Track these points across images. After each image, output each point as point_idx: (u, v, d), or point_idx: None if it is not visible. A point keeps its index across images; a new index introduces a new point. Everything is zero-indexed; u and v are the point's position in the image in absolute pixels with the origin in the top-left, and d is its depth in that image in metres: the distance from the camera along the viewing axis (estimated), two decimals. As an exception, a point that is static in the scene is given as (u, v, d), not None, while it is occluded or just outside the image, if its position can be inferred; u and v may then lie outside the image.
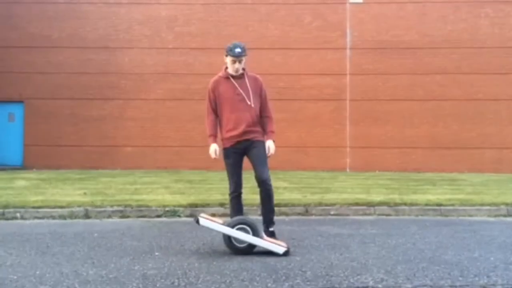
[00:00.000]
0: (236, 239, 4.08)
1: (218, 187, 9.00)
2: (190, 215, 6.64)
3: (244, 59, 4.47)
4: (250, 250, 4.09)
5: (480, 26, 14.95)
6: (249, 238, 4.06)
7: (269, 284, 3.15)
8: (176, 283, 3.15)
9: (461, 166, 14.49)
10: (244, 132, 4.37)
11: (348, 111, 14.97)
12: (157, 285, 3.12)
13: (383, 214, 6.87)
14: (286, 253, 4.02)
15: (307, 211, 6.90)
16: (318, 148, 14.81)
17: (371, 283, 3.18)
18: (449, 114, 14.86)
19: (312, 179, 11.06)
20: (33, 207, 6.65)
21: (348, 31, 15.06)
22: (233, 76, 4.47)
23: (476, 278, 3.33)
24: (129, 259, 3.87)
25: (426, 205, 7.10)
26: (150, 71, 15.09)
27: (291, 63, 15.02)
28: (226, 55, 4.49)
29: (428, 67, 14.91)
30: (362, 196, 7.81)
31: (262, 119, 4.52)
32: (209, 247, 4.38)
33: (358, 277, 3.33)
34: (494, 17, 15.00)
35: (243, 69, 4.53)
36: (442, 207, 7.01)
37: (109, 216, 6.55)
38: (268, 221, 4.40)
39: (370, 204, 7.08)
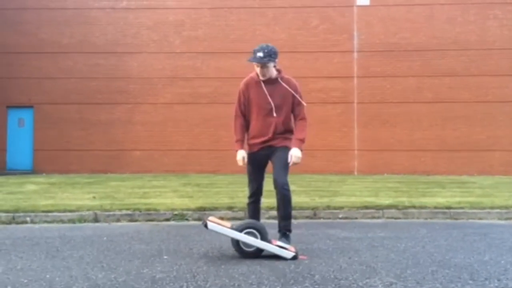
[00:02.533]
0: (244, 243, 4.07)
1: (226, 191, 9.01)
2: (199, 219, 6.65)
3: (270, 64, 4.12)
4: (258, 253, 4.08)
5: (488, 28, 14.86)
6: (257, 242, 4.05)
7: (277, 288, 3.15)
8: (185, 287, 3.16)
9: (470, 168, 14.38)
10: (269, 140, 4.20)
11: (356, 114, 14.93)
12: (166, 289, 3.13)
13: (392, 217, 6.83)
14: (294, 258, 4.01)
15: (315, 214, 6.89)
16: (326, 151, 14.78)
17: (380, 287, 3.16)
18: (458, 116, 14.77)
19: (320, 182, 11.03)
20: (43, 211, 6.70)
21: (355, 33, 15.03)
22: (265, 81, 4.18)
23: (487, 282, 3.30)
24: (138, 262, 3.89)
25: (436, 208, 7.05)
26: (158, 75, 15.18)
27: (298, 66, 15.00)
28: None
29: (437, 69, 14.84)
30: (371, 199, 7.77)
31: (295, 123, 4.27)
32: (217, 251, 4.38)
33: (367, 280, 3.31)
34: (503, 19, 14.90)
35: (278, 70, 4.24)
36: (451, 210, 6.96)
37: (118, 220, 6.58)
38: (283, 228, 4.21)
39: (378, 207, 7.05)
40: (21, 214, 6.59)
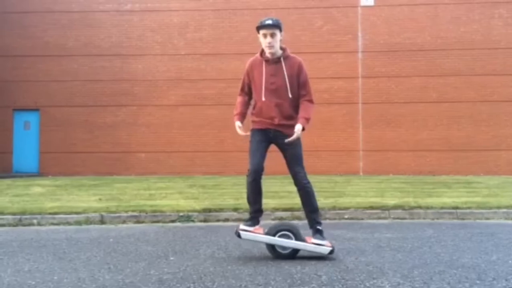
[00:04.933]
0: (280, 246, 4.01)
1: (231, 192, 9.02)
2: (204, 220, 6.67)
3: (278, 34, 3.98)
4: (294, 254, 4.04)
5: (493, 27, 14.80)
6: (292, 243, 4.00)
7: (284, 289, 3.14)
8: (192, 287, 3.17)
9: (476, 168, 14.32)
10: (275, 124, 4.04)
11: (360, 115, 14.91)
12: (173, 290, 3.14)
13: (398, 218, 6.81)
14: (331, 252, 3.98)
15: (321, 215, 6.86)
16: (331, 152, 14.76)
17: (387, 287, 3.15)
18: (463, 116, 14.71)
19: (326, 183, 11.01)
20: (50, 214, 6.74)
21: (359, 34, 15.01)
22: (268, 61, 4.05)
23: (495, 282, 3.28)
24: (144, 264, 3.89)
25: (442, 208, 7.03)
26: (162, 77, 15.22)
27: (302, 67, 15.00)
28: (258, 33, 4.02)
29: (441, 69, 14.79)
30: (376, 200, 7.75)
31: (301, 103, 4.07)
32: (223, 252, 4.38)
33: (374, 281, 3.30)
34: (507, 18, 14.83)
35: (283, 49, 4.09)
36: (458, 210, 6.93)
37: (124, 222, 6.61)
38: (313, 222, 4.12)
39: (384, 208, 7.03)
40: (28, 216, 6.62)
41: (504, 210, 6.96)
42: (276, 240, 4.02)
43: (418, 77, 14.83)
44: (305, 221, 6.57)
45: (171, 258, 4.11)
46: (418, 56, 14.85)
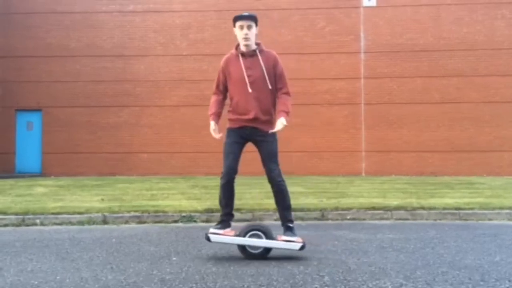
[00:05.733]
0: (250, 246, 4.05)
1: (234, 193, 9.01)
2: (206, 221, 6.67)
3: (254, 27, 4.04)
4: (266, 254, 4.07)
5: (496, 28, 14.78)
6: (263, 242, 4.03)
7: (287, 289, 3.14)
8: (194, 288, 3.17)
9: (479, 169, 14.29)
10: (253, 119, 4.01)
11: (363, 115, 14.90)
12: (176, 290, 3.14)
13: (400, 219, 6.80)
14: (302, 248, 3.98)
15: (323, 215, 6.87)
16: (333, 153, 14.75)
17: (390, 288, 3.15)
18: (466, 117, 14.68)
19: (328, 184, 11.01)
20: (52, 214, 6.75)
21: (362, 35, 15.00)
22: (244, 54, 4.06)
23: (498, 283, 3.27)
24: (147, 264, 3.90)
25: (444, 209, 7.01)
26: (165, 78, 15.25)
27: (305, 68, 15.03)
28: (234, 26, 4.09)
29: (444, 70, 14.78)
30: (379, 201, 7.74)
31: (278, 97, 4.07)
32: (226, 252, 4.38)
33: (377, 281, 3.30)
34: (510, 18, 14.81)
35: (257, 44, 4.11)
36: (461, 211, 6.92)
37: (127, 222, 6.61)
38: (285, 219, 4.12)
39: (387, 209, 7.02)
40: (31, 216, 6.64)
41: (507, 211, 6.93)
42: (246, 240, 4.03)
43: (420, 78, 14.81)
44: (308, 222, 6.59)
45: (174, 259, 4.11)
46: (420, 57, 14.83)
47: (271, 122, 4.06)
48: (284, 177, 4.13)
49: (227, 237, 4.06)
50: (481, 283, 3.26)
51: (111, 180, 12.73)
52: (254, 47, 4.09)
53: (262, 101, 4.03)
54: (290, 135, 14.79)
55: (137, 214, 6.76)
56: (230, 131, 4.12)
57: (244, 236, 4.05)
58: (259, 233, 4.06)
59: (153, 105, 15.20)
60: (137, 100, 15.27)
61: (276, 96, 4.10)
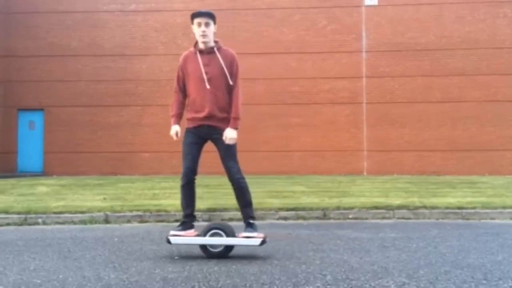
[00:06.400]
0: (211, 245, 4.05)
1: (235, 192, 9.01)
2: (208, 220, 6.68)
3: (212, 25, 4.06)
4: (227, 252, 4.08)
5: (498, 26, 14.75)
6: (223, 240, 4.03)
7: (289, 288, 3.14)
8: (196, 287, 3.17)
9: (480, 168, 14.27)
10: (209, 117, 4.01)
11: (364, 115, 14.88)
12: (178, 289, 3.14)
13: (402, 218, 6.80)
14: (262, 243, 3.99)
15: (325, 215, 6.87)
16: (334, 152, 14.74)
17: (392, 287, 3.14)
18: (468, 116, 14.66)
19: (330, 183, 11.00)
20: (55, 213, 6.77)
21: (363, 34, 14.99)
22: (202, 51, 4.07)
23: (501, 282, 3.26)
24: (149, 263, 3.90)
25: (447, 208, 7.00)
26: (166, 77, 15.24)
27: (306, 67, 15.02)
28: (192, 23, 4.10)
29: (446, 69, 14.75)
30: (381, 200, 7.74)
31: (232, 97, 4.07)
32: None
33: (380, 280, 3.29)
34: (512, 17, 14.78)
35: (216, 41, 4.13)
36: (463, 210, 6.91)
37: (129, 221, 6.62)
38: (246, 216, 4.13)
39: (389, 208, 7.02)
40: (33, 215, 6.65)
41: (510, 210, 6.92)
42: (206, 240, 4.04)
43: (422, 77, 14.79)
44: (310, 222, 6.59)
45: (176, 257, 4.12)
46: (422, 56, 14.81)
47: (228, 120, 4.05)
48: (244, 174, 4.14)
49: (187, 238, 4.06)
50: (484, 282, 3.26)
51: (112, 179, 12.74)
52: (212, 44, 4.10)
53: (219, 98, 4.04)
54: (291, 135, 14.80)
55: (139, 213, 6.77)
56: (188, 132, 4.14)
57: (205, 235, 4.05)
58: (220, 231, 4.06)
59: (154, 105, 15.20)
60: (139, 100, 15.28)
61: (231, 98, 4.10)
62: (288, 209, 6.96)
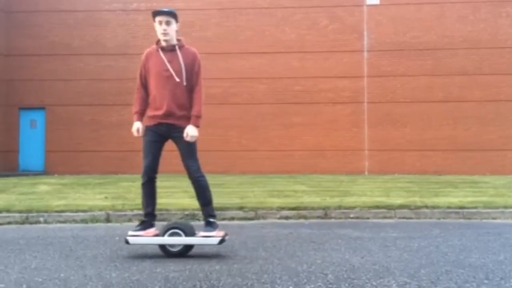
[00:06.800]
0: (170, 244, 4.05)
1: (237, 191, 9.02)
2: (210, 219, 6.66)
3: (174, 24, 4.08)
4: (187, 251, 4.08)
5: (500, 26, 14.72)
6: (182, 240, 4.03)
7: (290, 287, 3.14)
8: (198, 286, 3.17)
9: (482, 168, 14.24)
10: (167, 114, 4.01)
11: (366, 114, 14.87)
12: (179, 288, 3.14)
13: (403, 217, 6.79)
14: (221, 242, 3.99)
15: (326, 214, 6.87)
16: (336, 152, 14.73)
17: (394, 286, 3.14)
18: (470, 116, 14.64)
19: (331, 182, 11.00)
20: (56, 212, 6.77)
21: (365, 33, 14.97)
22: (164, 49, 4.09)
23: (502, 281, 3.26)
24: (150, 262, 3.90)
25: (448, 207, 6.99)
26: (168, 76, 15.24)
27: (308, 66, 15.00)
28: (154, 20, 4.11)
29: (448, 68, 14.73)
30: (382, 199, 7.73)
31: (193, 96, 4.08)
32: (229, 250, 4.38)
33: (381, 280, 3.29)
34: (515, 17, 14.75)
35: (179, 40, 4.16)
36: (464, 210, 6.90)
37: (130, 220, 6.62)
38: (206, 214, 4.14)
39: (390, 207, 7.01)
40: (35, 214, 6.65)
41: (511, 210, 6.91)
42: (165, 239, 4.03)
43: (424, 76, 14.77)
44: (311, 221, 6.58)
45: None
46: (424, 55, 14.78)
47: (188, 118, 4.06)
48: (204, 172, 4.17)
49: (145, 238, 4.06)
50: (486, 281, 3.25)
51: (114, 178, 12.75)
52: (174, 42, 4.13)
53: (179, 96, 4.04)
54: (292, 134, 14.79)
55: (140, 212, 6.76)
56: (148, 130, 4.13)
57: (164, 235, 4.05)
58: (179, 231, 4.06)
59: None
60: (140, 99, 15.28)
61: (193, 92, 4.11)
62: (289, 209, 6.95)
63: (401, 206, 7.06)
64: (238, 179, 12.00)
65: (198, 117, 4.07)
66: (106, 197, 8.17)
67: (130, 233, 4.10)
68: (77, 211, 6.81)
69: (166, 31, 4.06)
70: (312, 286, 3.16)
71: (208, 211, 4.16)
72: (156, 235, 4.09)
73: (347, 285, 3.18)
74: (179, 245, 4.06)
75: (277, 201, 7.52)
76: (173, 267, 3.71)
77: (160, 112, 4.03)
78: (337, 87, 14.89)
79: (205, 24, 15.35)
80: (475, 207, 7.01)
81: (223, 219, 6.70)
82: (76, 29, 15.51)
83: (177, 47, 4.11)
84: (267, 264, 3.80)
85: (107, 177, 13.03)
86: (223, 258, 4.03)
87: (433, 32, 14.85)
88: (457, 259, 3.96)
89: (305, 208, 6.96)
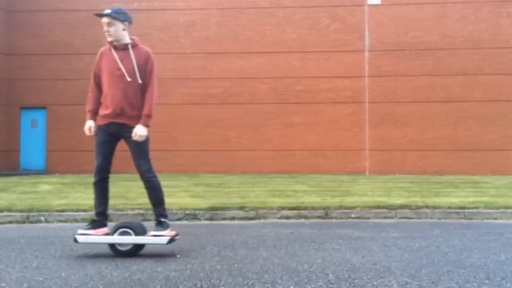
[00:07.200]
0: (119, 243, 4.06)
1: (237, 191, 9.02)
2: (210, 218, 6.68)
3: (117, 24, 4.07)
4: (137, 250, 4.08)
5: (501, 26, 14.70)
6: (130, 239, 4.03)
7: (291, 287, 3.14)
8: (198, 285, 3.17)
9: (483, 168, 14.23)
10: (118, 113, 4.02)
11: (367, 114, 14.86)
12: (180, 287, 3.14)
13: (404, 217, 6.78)
14: (170, 241, 4.00)
15: (327, 214, 6.87)
16: (337, 151, 14.73)
17: (395, 286, 3.14)
18: (471, 116, 14.62)
19: (332, 182, 10.99)
20: (57, 211, 6.78)
21: (366, 33, 14.96)
22: (116, 48, 4.10)
23: (504, 281, 3.25)
24: (151, 261, 3.90)
25: (449, 208, 6.99)
26: (168, 76, 15.24)
27: (309, 66, 15.00)
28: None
29: (449, 68, 14.71)
30: (383, 199, 7.73)
31: (143, 97, 4.08)
32: (230, 250, 4.38)
33: (382, 280, 3.29)
34: (516, 17, 14.73)
35: (132, 39, 4.18)
36: (465, 210, 6.90)
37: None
38: (157, 214, 4.16)
39: (391, 207, 7.01)
40: (36, 213, 6.66)
41: (512, 210, 6.91)
42: (114, 238, 4.04)
43: (425, 76, 14.76)
44: (312, 221, 6.58)
45: (178, 256, 4.12)
46: (425, 55, 14.77)
47: (139, 117, 4.05)
48: (155, 172, 4.20)
49: (94, 237, 4.07)
50: (487, 281, 3.25)
51: (114, 177, 12.68)
52: (126, 41, 4.13)
53: (130, 96, 4.05)
54: (293, 134, 14.79)
55: (141, 211, 6.77)
56: (100, 129, 4.14)
57: (113, 234, 4.06)
58: (128, 230, 4.07)
59: (156, 103, 15.18)
60: (141, 98, 15.29)
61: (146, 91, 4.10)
62: (290, 208, 6.95)
63: (402, 206, 7.06)
64: (239, 178, 12.00)
65: (148, 116, 4.05)
66: (107, 197, 8.16)
67: (80, 231, 4.09)
68: (78, 210, 6.82)
69: (108, 32, 4.09)
70: (313, 286, 3.16)
71: (160, 210, 4.17)
72: (106, 234, 4.09)
73: (348, 285, 3.18)
74: (129, 244, 4.06)
75: (277, 201, 7.52)
76: (174, 266, 3.71)
77: (110, 111, 4.04)
78: (338, 87, 14.89)
79: (206, 23, 15.35)
80: (476, 207, 7.01)
81: (224, 218, 6.71)
82: (77, 28, 15.51)
83: (129, 46, 4.12)
84: (267, 263, 3.80)
85: (108, 177, 13.02)
86: (223, 258, 4.03)
87: (434, 32, 14.84)
88: (458, 259, 3.96)
89: (305, 208, 6.96)
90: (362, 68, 14.92)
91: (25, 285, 3.19)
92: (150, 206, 7.13)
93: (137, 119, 4.04)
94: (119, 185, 10.44)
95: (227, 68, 15.04)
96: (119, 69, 4.03)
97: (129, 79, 4.03)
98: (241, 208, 6.96)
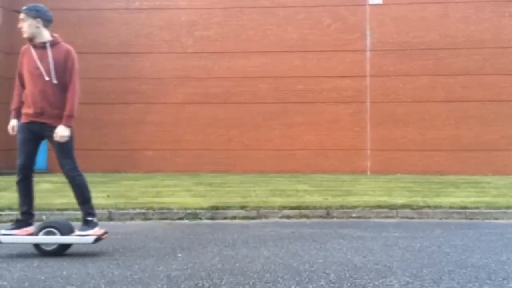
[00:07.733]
0: (44, 243, 4.04)
1: (238, 190, 9.02)
2: (211, 218, 6.68)
3: (29, 20, 4.04)
4: (63, 250, 4.07)
5: (504, 26, 14.67)
6: (55, 239, 4.01)
7: (292, 286, 3.14)
8: (200, 284, 3.17)
9: (484, 168, 14.20)
10: (39, 113, 3.99)
11: (368, 114, 14.85)
12: (182, 286, 3.15)
13: (406, 217, 6.78)
14: (96, 241, 3.99)
15: (328, 213, 6.86)
16: (338, 151, 14.71)
17: (396, 286, 3.14)
18: (472, 116, 14.60)
19: (333, 182, 10.99)
20: (58, 210, 6.79)
21: (367, 33, 14.95)
22: (35, 46, 4.07)
23: (505, 282, 3.25)
24: (152, 260, 3.91)
25: (450, 207, 6.98)
26: (170, 75, 15.25)
27: (310, 66, 14.98)
28: None
29: (450, 68, 14.69)
30: (384, 199, 7.72)
31: (65, 96, 4.03)
32: (231, 249, 4.38)
33: (383, 279, 3.29)
34: (518, 16, 14.70)
35: (53, 36, 4.14)
36: (467, 210, 6.89)
37: (132, 219, 6.63)
38: (84, 213, 4.16)
39: (392, 207, 7.00)
40: (37, 212, 6.59)
41: (514, 210, 6.90)
42: (37, 238, 4.01)
43: (426, 76, 14.73)
44: (313, 220, 6.58)
45: (179, 255, 4.12)
46: (426, 55, 14.75)
47: (60, 117, 4.02)
48: (81, 171, 4.19)
49: (18, 237, 4.04)
50: (488, 281, 3.25)
51: (116, 177, 12.76)
52: (45, 39, 4.08)
53: (49, 95, 4.01)
54: (295, 133, 14.78)
55: (142, 211, 6.78)
56: (22, 127, 4.11)
57: (38, 234, 4.03)
58: (54, 230, 4.04)
59: (158, 103, 15.21)
60: (142, 98, 15.28)
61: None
62: (291, 208, 6.95)
63: (403, 206, 7.05)
64: (240, 178, 12.00)
65: (70, 116, 4.01)
66: (108, 196, 8.18)
67: (3, 231, 4.07)
68: (79, 209, 6.81)
69: (22, 29, 4.10)
70: (314, 285, 3.16)
71: (86, 209, 4.17)
72: (31, 234, 4.06)
73: (349, 284, 3.18)
74: (54, 244, 4.04)
75: (279, 200, 7.52)
76: (175, 265, 3.71)
77: (31, 111, 4.02)
78: (339, 86, 14.87)
79: (207, 23, 15.34)
80: (477, 207, 7.00)
81: (225, 218, 6.71)
82: (79, 27, 15.51)
83: (48, 44, 4.07)
84: (269, 263, 3.80)
85: (109, 176, 13.04)
86: (224, 257, 4.03)
87: (435, 31, 14.81)
88: (459, 259, 3.96)
89: (307, 208, 6.95)
90: (363, 67, 14.90)
91: (26, 283, 3.20)
92: (151, 205, 7.17)
93: (58, 118, 4.01)
94: (120, 184, 10.46)
95: (228, 67, 15.04)
96: (38, 68, 4.00)
97: (47, 78, 3.99)
98: (243, 207, 6.96)
